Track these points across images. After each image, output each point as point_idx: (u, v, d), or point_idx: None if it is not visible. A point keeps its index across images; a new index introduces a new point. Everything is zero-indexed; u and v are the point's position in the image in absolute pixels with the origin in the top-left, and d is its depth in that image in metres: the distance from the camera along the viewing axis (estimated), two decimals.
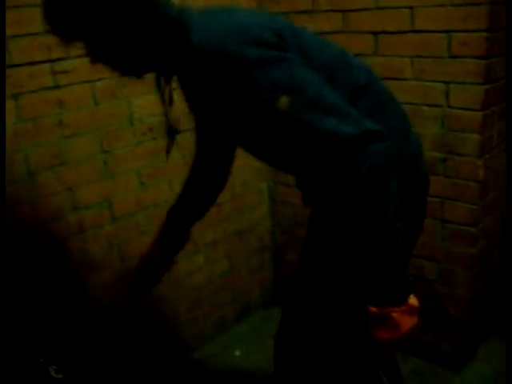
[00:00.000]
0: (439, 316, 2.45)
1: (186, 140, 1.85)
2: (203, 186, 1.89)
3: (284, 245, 2.97)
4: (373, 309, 1.29)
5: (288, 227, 2.90)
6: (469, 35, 2.05)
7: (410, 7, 2.17)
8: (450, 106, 2.18)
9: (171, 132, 1.60)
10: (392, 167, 1.26)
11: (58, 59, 2.01)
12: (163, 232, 1.91)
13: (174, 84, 1.51)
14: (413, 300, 1.30)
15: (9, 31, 1.86)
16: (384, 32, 2.27)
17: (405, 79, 2.26)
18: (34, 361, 1.75)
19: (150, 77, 1.49)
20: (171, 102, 1.52)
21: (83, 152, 2.13)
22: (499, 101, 2.22)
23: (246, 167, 2.67)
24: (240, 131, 1.48)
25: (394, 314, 1.27)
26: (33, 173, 2.00)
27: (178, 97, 1.53)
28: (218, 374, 2.58)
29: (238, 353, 2.71)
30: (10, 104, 1.91)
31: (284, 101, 1.23)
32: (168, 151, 1.63)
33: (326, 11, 2.41)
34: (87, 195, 2.17)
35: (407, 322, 1.29)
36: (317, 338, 1.55)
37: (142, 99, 2.27)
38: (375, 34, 2.30)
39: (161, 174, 2.41)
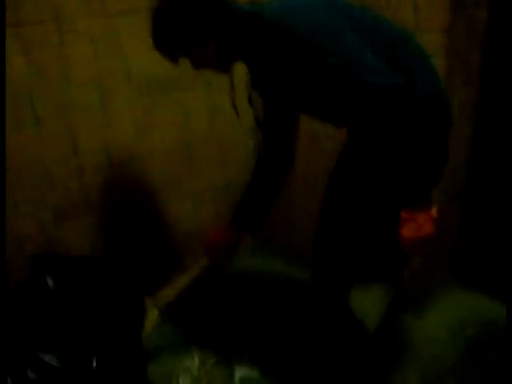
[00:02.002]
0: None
1: None
2: (274, 161, 2.12)
3: None
4: (404, 213, 1.66)
5: None
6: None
7: None
8: None
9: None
10: (416, 106, 1.61)
11: (65, 19, 2.24)
12: (235, 216, 2.20)
13: None
14: (434, 211, 1.68)
15: None
16: None
17: None
18: None
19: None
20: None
21: (85, 103, 2.37)
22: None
23: (236, 125, 2.90)
24: (299, 93, 1.82)
25: (419, 218, 1.65)
26: (39, 118, 2.25)
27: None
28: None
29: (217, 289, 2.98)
30: (21, 59, 2.15)
31: (333, 60, 1.61)
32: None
33: None
34: (87, 142, 2.42)
35: (428, 227, 1.66)
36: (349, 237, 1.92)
37: (139, 57, 2.47)
38: None
39: (154, 127, 2.65)
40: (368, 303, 2.01)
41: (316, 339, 2.19)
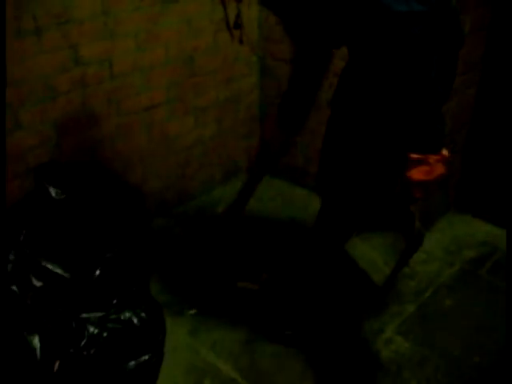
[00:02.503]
0: None
1: None
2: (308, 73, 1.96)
3: None
4: (414, 155, 1.62)
5: (275, 99, 3.10)
6: None
7: None
8: None
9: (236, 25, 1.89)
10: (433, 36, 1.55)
11: None
12: (279, 120, 2.06)
13: None
14: (445, 152, 1.64)
15: None
16: None
17: None
18: None
19: None
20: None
21: (86, 12, 2.29)
22: None
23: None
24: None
25: (430, 160, 1.61)
26: (39, 27, 2.18)
27: None
28: (199, 225, 2.91)
29: (220, 209, 3.00)
30: None
31: None
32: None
33: None
34: (89, 53, 2.36)
35: (439, 169, 1.63)
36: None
37: None
38: None
39: (157, 39, 2.58)
40: (373, 252, 2.04)
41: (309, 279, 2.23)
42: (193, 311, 2.36)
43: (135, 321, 1.93)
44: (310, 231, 2.12)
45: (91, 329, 1.82)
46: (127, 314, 1.93)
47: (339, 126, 1.85)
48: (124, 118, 2.59)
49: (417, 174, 1.63)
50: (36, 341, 1.75)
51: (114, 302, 1.92)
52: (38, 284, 1.83)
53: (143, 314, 1.96)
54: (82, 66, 2.35)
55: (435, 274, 2.58)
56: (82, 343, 1.81)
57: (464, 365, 2.14)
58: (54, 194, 1.82)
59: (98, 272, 1.86)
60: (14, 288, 1.79)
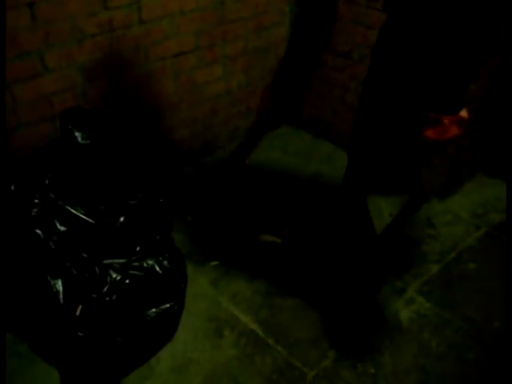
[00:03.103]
0: None
1: None
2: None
3: None
4: (431, 114, 1.61)
5: None
6: None
7: None
8: None
9: None
10: None
11: None
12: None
13: None
14: (463, 113, 1.61)
15: None
16: None
17: None
18: None
19: None
20: None
21: None
22: None
23: None
24: None
25: (445, 121, 1.60)
26: None
27: None
28: (225, 175, 2.90)
29: (247, 160, 2.99)
30: None
31: None
32: None
33: None
34: None
35: (454, 130, 1.62)
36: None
37: None
38: None
39: None
40: (384, 205, 2.02)
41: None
42: (215, 262, 2.37)
43: (157, 269, 1.94)
44: (338, 188, 2.10)
45: (114, 275, 1.84)
46: (150, 262, 1.93)
47: (373, 76, 1.81)
48: (152, 64, 2.54)
49: (431, 132, 1.63)
50: (59, 285, 1.77)
51: (137, 249, 1.93)
52: (62, 228, 1.83)
53: (166, 263, 1.96)
54: (110, 9, 2.29)
55: (460, 237, 2.55)
56: (105, 289, 1.82)
57: (484, 329, 2.13)
58: (79, 139, 1.80)
59: (122, 219, 1.86)
60: (39, 232, 1.80)
